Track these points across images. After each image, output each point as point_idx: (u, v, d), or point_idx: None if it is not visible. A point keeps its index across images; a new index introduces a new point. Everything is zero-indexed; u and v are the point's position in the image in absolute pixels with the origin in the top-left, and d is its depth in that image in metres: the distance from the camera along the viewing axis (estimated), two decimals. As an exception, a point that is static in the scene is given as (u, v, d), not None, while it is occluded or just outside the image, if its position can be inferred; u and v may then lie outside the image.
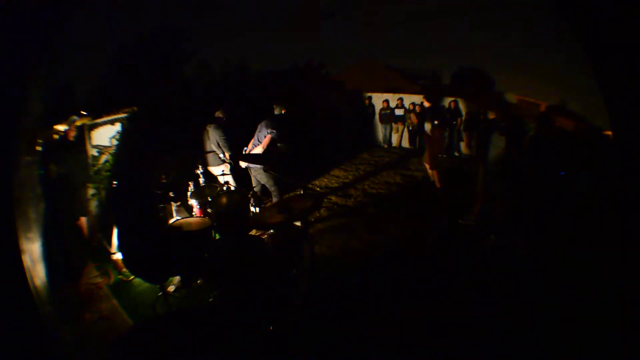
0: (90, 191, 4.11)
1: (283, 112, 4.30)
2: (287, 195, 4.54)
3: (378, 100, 10.05)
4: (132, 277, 3.42)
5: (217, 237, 3.25)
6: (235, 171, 4.57)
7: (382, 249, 4.07)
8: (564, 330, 2.59)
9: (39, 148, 2.70)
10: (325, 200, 5.53)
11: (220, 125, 4.64)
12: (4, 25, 1.88)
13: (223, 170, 4.52)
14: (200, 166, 3.97)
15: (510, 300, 3.00)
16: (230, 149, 4.61)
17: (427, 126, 5.83)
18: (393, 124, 9.90)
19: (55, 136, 3.84)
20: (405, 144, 10.01)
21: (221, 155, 4.61)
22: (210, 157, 4.66)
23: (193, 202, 3.72)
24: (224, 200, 3.47)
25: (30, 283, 1.99)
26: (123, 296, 3.24)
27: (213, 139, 4.63)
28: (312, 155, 6.85)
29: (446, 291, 3.15)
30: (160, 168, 3.66)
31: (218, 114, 4.77)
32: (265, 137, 4.14)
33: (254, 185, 4.39)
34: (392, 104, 9.79)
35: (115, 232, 3.59)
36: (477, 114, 8.30)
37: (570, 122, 6.46)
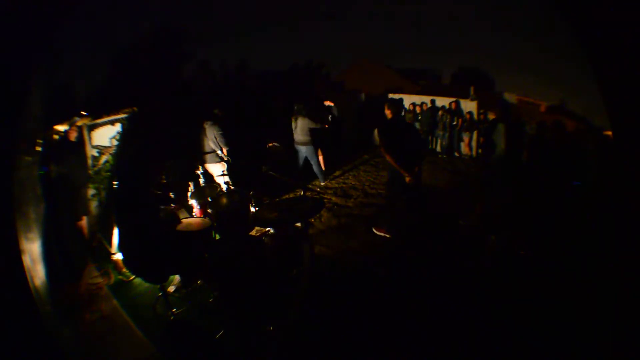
0: (91, 191, 4.11)
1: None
2: (286, 196, 4.55)
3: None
4: (132, 277, 3.42)
5: (217, 237, 3.25)
6: (233, 169, 4.55)
7: (382, 249, 4.06)
8: (564, 330, 2.59)
9: (39, 148, 2.70)
10: (325, 200, 5.53)
11: (218, 122, 4.66)
12: (5, 25, 1.88)
13: (223, 171, 4.51)
14: (200, 166, 3.97)
15: (511, 300, 3.00)
16: (227, 145, 4.61)
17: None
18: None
19: (55, 136, 3.84)
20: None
21: (219, 152, 4.61)
22: (208, 155, 4.66)
23: (193, 202, 3.73)
24: (224, 200, 3.48)
25: (30, 283, 1.99)
26: (123, 296, 3.24)
27: (210, 136, 4.64)
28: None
29: (446, 291, 3.15)
30: (160, 168, 3.66)
31: (216, 111, 4.79)
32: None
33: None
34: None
35: (115, 232, 3.59)
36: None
37: (571, 122, 6.47)
